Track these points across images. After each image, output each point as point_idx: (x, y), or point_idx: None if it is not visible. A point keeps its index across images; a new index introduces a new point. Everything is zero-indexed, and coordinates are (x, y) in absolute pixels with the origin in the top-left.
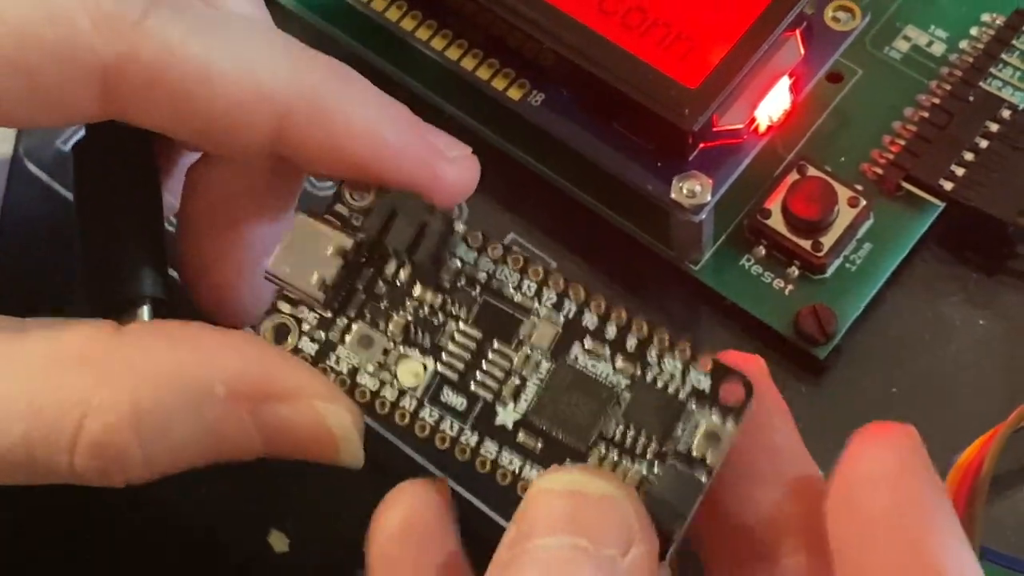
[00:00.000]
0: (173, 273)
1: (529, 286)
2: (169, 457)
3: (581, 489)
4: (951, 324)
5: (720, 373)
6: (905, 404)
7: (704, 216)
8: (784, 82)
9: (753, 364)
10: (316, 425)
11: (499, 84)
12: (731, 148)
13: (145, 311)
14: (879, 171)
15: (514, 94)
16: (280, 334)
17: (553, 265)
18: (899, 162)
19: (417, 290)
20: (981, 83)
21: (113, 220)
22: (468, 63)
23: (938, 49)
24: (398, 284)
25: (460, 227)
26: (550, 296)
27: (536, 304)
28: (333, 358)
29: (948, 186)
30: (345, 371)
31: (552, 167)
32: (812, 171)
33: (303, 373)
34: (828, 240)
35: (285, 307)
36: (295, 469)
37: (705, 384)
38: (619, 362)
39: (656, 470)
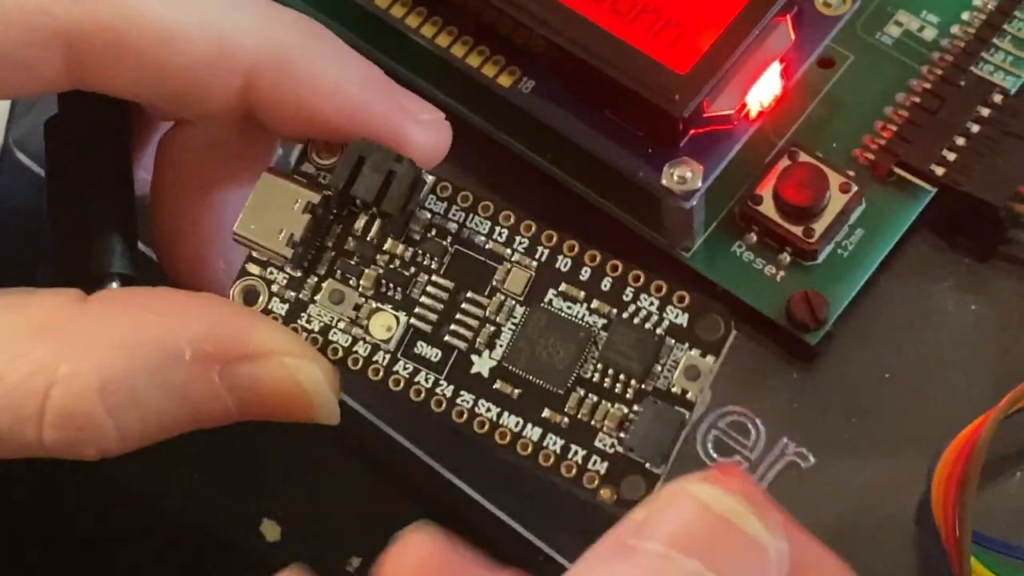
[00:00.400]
0: (146, 250)
1: (500, 232)
2: (141, 426)
3: (733, 519)
4: (943, 309)
5: (698, 308)
6: (897, 389)
7: (695, 202)
8: (775, 68)
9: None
10: (288, 383)
11: (489, 71)
12: (722, 134)
13: (114, 287)
14: (871, 157)
15: (504, 81)
16: (250, 296)
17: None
18: (891, 148)
19: (387, 243)
20: (972, 68)
21: (83, 196)
22: (458, 50)
23: (929, 34)
24: (367, 238)
25: (429, 177)
26: (522, 241)
27: (508, 250)
28: (304, 317)
29: (940, 171)
30: (317, 329)
31: (543, 155)
32: (803, 157)
33: (272, 331)
34: (820, 226)
35: (254, 269)
36: (286, 458)
37: (683, 319)
38: (594, 303)
39: (637, 408)
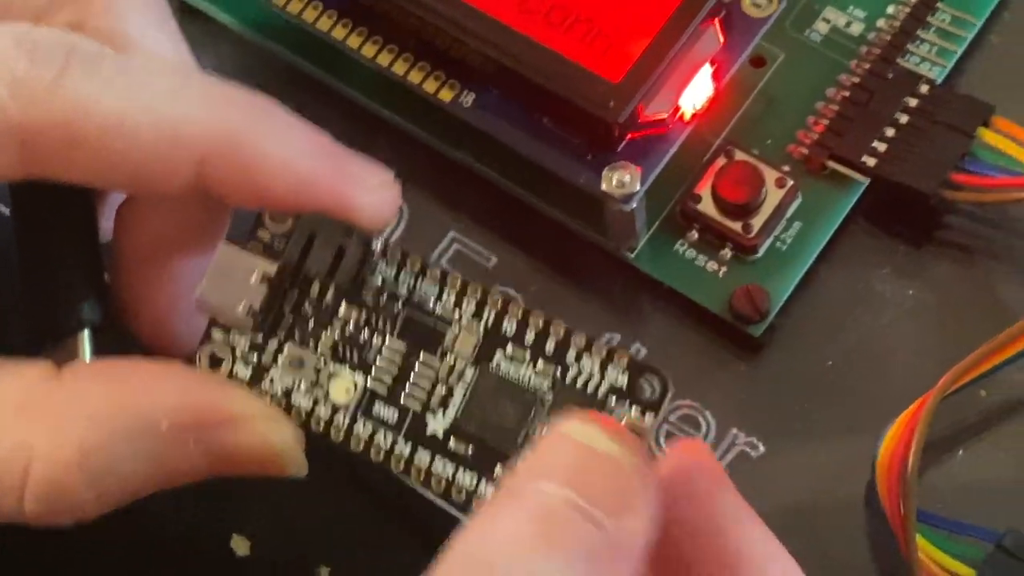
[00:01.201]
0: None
1: (449, 297)
2: (119, 492)
3: (591, 444)
4: (882, 296)
5: (636, 370)
6: (840, 376)
7: (635, 205)
8: (706, 70)
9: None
10: (261, 445)
11: (430, 87)
12: (658, 137)
13: (85, 336)
14: (804, 151)
15: (445, 96)
16: (215, 361)
17: (493, 260)
18: (823, 141)
19: (342, 309)
20: (899, 60)
21: (50, 248)
22: (399, 68)
23: (856, 29)
24: (323, 304)
25: (377, 245)
26: (469, 306)
27: (457, 314)
28: (267, 380)
29: (871, 162)
30: (280, 392)
31: (488, 165)
32: (739, 155)
33: (242, 398)
34: (758, 221)
35: (218, 335)
36: None
37: (623, 381)
38: (540, 365)
39: None
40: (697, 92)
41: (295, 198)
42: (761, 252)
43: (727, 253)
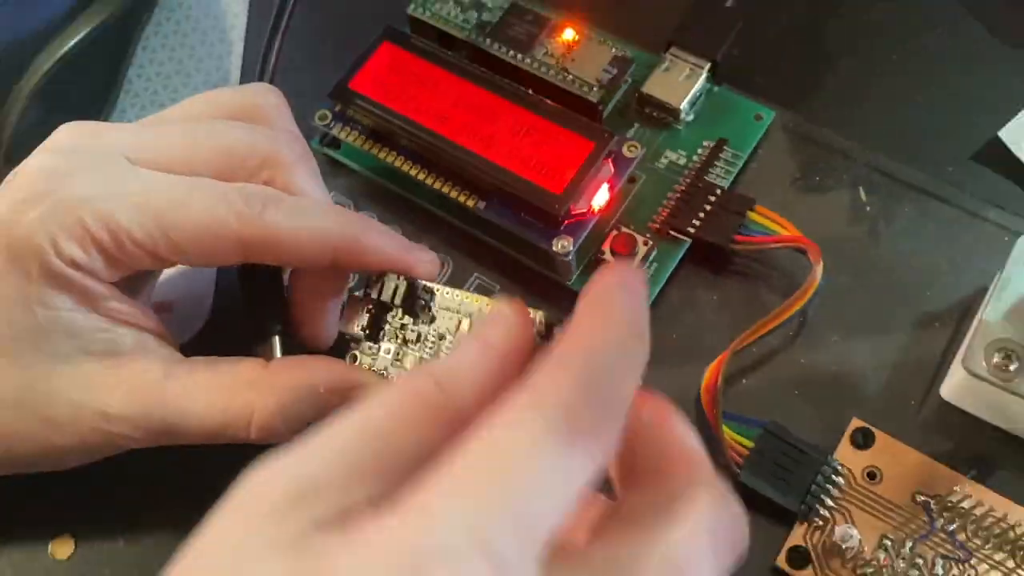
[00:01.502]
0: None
1: (453, 299)
2: (298, 425)
3: (507, 312)
4: (700, 300)
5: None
6: (677, 347)
7: (571, 257)
8: (605, 186)
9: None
10: None
11: (461, 199)
12: (582, 222)
13: (277, 341)
14: (657, 226)
15: (470, 203)
16: (353, 360)
17: (497, 288)
18: (667, 221)
19: (404, 317)
20: (706, 177)
21: (257, 290)
22: (442, 187)
23: (682, 161)
24: (402, 324)
25: (421, 283)
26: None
27: (458, 306)
28: (376, 362)
29: (692, 229)
30: (382, 368)
31: (492, 236)
32: (624, 229)
33: (363, 375)
34: (634, 263)
35: (354, 346)
36: (79, 474)
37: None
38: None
39: None
40: (601, 197)
41: (384, 268)
42: None
43: None
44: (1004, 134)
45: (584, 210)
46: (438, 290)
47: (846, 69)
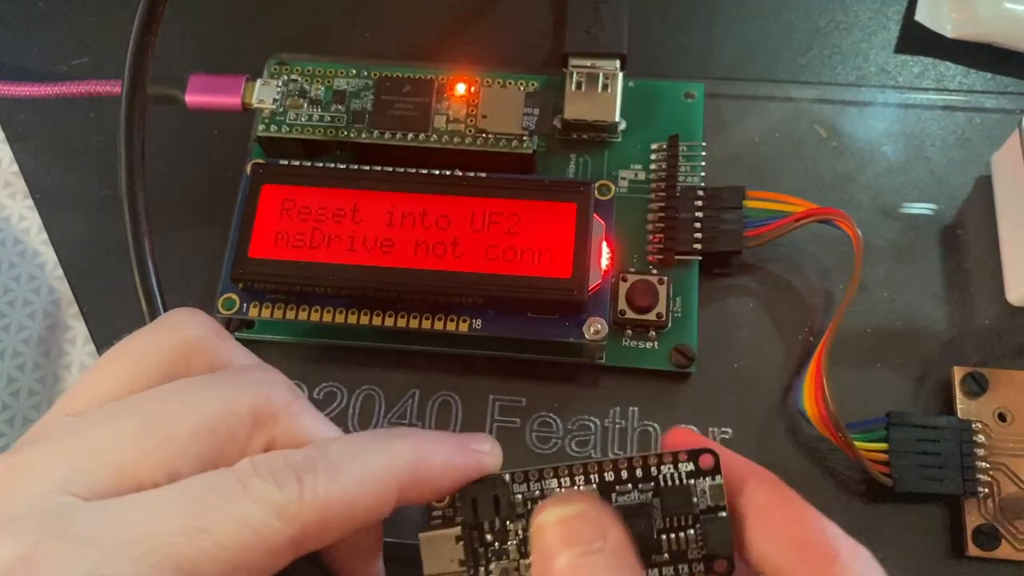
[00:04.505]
0: None
1: (563, 480)
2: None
3: (563, 516)
4: (737, 313)
5: (694, 455)
6: (742, 367)
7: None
8: (604, 245)
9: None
10: None
11: (449, 326)
12: (598, 294)
13: None
14: (659, 257)
15: (463, 327)
16: None
17: (523, 400)
18: (665, 247)
19: (510, 525)
20: (678, 182)
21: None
22: (412, 323)
23: (641, 176)
24: (496, 531)
25: (507, 476)
26: (579, 478)
27: (575, 487)
28: None
29: (698, 246)
30: None
31: (494, 348)
32: (630, 278)
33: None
34: (660, 309)
35: None
36: None
37: (690, 467)
38: (640, 486)
39: (699, 527)
40: (604, 258)
41: (452, 482)
42: (670, 324)
43: (652, 334)
44: (920, 17)
45: (599, 280)
46: (530, 474)
47: (735, 14)
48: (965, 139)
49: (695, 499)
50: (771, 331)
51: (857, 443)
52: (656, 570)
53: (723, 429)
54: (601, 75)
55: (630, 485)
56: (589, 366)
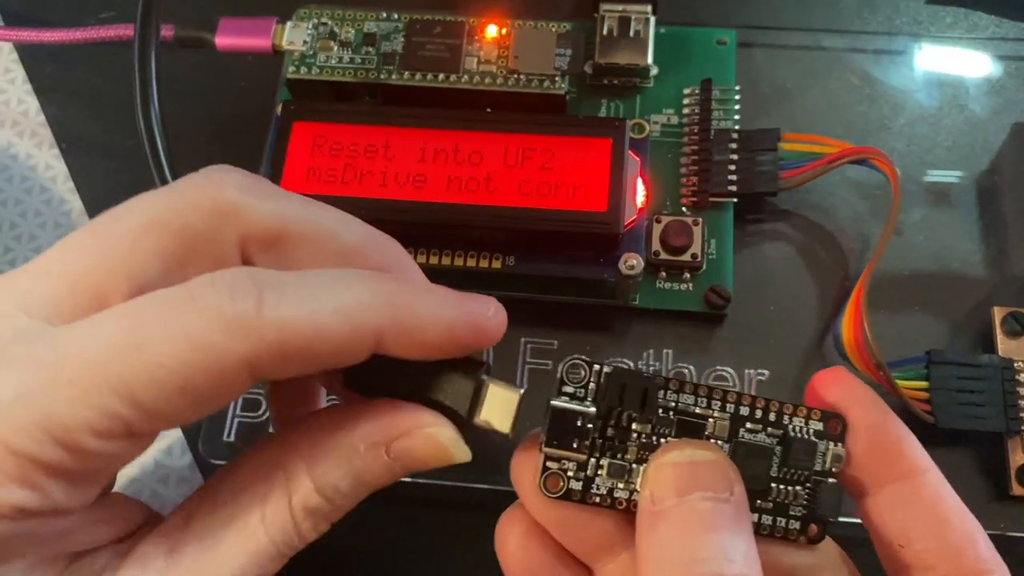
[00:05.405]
0: None
1: (700, 401)
2: (344, 502)
3: (694, 459)
4: (772, 256)
5: (826, 417)
6: (780, 308)
7: (640, 272)
8: (639, 181)
9: (837, 373)
10: (432, 444)
11: (482, 263)
12: (632, 229)
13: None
14: (694, 199)
15: (496, 264)
16: (552, 482)
17: (555, 343)
18: (700, 188)
19: (636, 426)
20: (711, 125)
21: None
22: (445, 259)
23: (674, 120)
24: (622, 427)
25: (660, 380)
26: (716, 403)
27: (709, 411)
28: (595, 486)
29: (733, 188)
30: (605, 491)
31: (523, 289)
32: (665, 218)
33: (414, 414)
34: (694, 249)
35: (552, 464)
36: None
37: (819, 426)
38: (768, 430)
39: (810, 487)
40: (640, 195)
41: (447, 342)
42: (705, 265)
43: (687, 275)
44: None
45: (634, 216)
46: (671, 384)
47: None
48: (1000, 87)
49: (816, 458)
50: (806, 275)
51: (898, 381)
52: (756, 515)
53: (759, 371)
54: (633, 19)
55: (761, 425)
56: (622, 309)
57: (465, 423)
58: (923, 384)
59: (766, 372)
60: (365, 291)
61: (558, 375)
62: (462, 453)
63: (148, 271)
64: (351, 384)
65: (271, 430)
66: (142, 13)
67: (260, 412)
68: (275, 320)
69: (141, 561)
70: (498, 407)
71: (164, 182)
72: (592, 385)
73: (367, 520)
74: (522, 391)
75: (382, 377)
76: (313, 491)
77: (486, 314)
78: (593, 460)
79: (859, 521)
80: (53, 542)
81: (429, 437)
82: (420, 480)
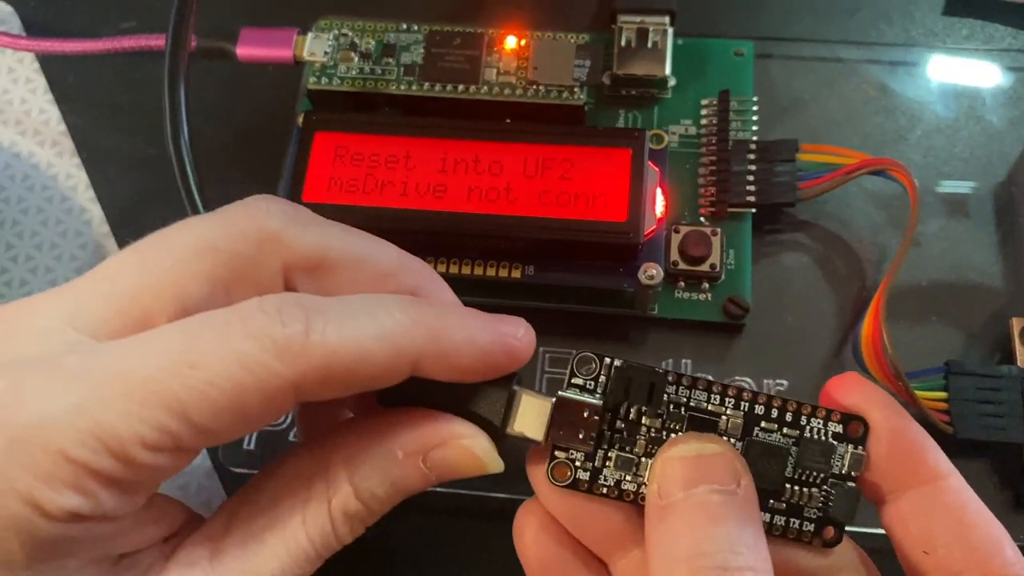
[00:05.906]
0: None
1: (714, 398)
2: (379, 507)
3: (701, 452)
4: (790, 267)
5: (846, 419)
6: (796, 319)
7: (660, 282)
8: (659, 191)
9: (852, 378)
10: (467, 455)
11: (502, 272)
12: (651, 240)
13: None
14: (711, 209)
15: (515, 273)
16: (559, 472)
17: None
18: (718, 199)
19: (645, 420)
20: (729, 136)
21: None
22: (464, 268)
23: (692, 131)
24: (630, 420)
25: (670, 376)
26: (729, 401)
27: (723, 408)
28: (602, 477)
29: (752, 198)
30: (612, 483)
31: (541, 299)
32: (684, 228)
33: (450, 425)
34: (713, 260)
35: (560, 454)
36: None
37: (839, 428)
38: (784, 430)
39: (826, 489)
40: (659, 205)
41: (481, 364)
42: (723, 276)
43: (705, 285)
44: None
45: (653, 226)
46: (684, 380)
47: None
48: (1017, 98)
49: (833, 460)
50: (824, 285)
51: (916, 391)
52: (768, 515)
53: (778, 381)
54: (651, 30)
55: (776, 424)
56: (641, 319)
57: (499, 433)
58: (942, 395)
59: (785, 382)
60: (405, 317)
61: (568, 367)
62: (496, 464)
63: (195, 294)
64: (385, 401)
65: (291, 439)
66: (172, 44)
67: (280, 422)
68: (322, 345)
69: (185, 562)
70: (531, 417)
71: (191, 199)
72: (602, 378)
73: (388, 525)
74: (553, 400)
75: (416, 393)
76: (352, 496)
77: (516, 335)
78: (601, 452)
79: (873, 531)
80: (102, 544)
81: (464, 448)
82: (439, 489)
